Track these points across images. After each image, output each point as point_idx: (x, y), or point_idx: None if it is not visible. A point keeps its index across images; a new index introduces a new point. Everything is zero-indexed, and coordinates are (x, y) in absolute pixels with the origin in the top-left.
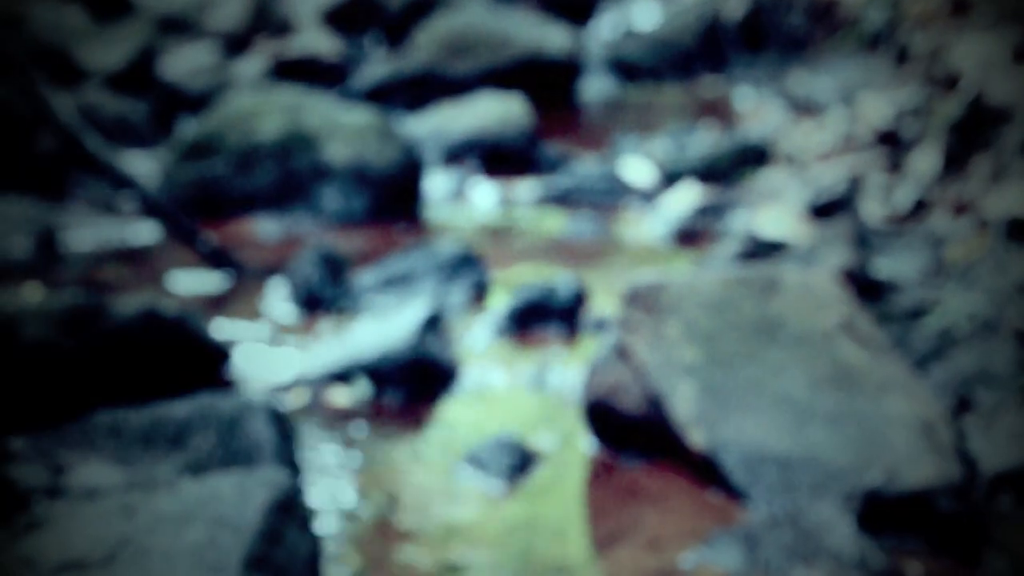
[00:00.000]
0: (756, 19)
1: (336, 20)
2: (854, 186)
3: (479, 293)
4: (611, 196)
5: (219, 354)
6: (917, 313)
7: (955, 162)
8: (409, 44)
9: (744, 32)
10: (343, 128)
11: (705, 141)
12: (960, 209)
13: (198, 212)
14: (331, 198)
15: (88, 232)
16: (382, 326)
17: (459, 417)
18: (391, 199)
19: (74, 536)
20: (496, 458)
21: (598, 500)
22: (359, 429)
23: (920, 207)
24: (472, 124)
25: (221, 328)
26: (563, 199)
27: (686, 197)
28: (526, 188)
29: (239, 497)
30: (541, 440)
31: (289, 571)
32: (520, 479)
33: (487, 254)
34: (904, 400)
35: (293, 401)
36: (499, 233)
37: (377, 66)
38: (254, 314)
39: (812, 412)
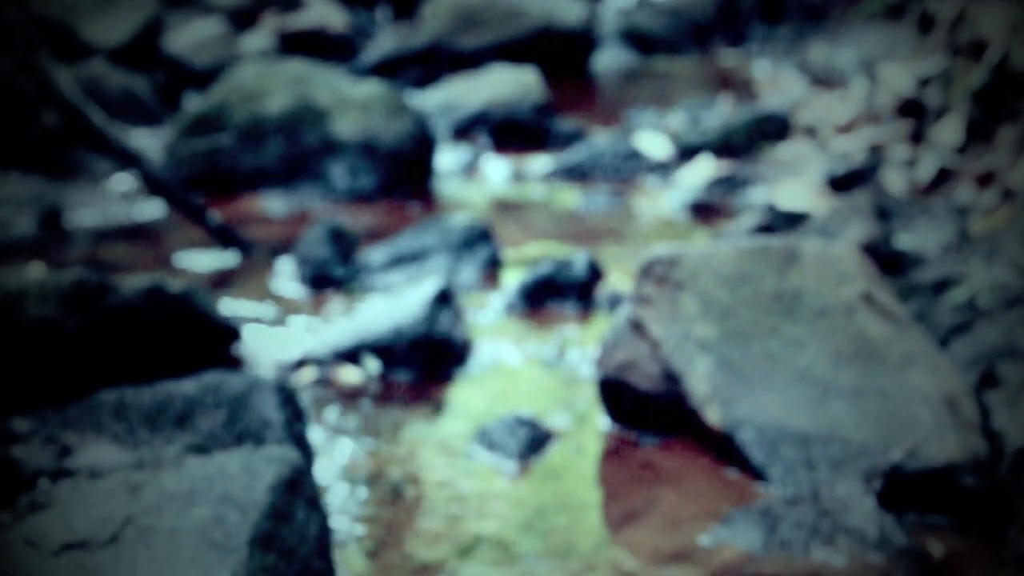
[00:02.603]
0: None
1: None
2: (875, 158)
3: (492, 269)
4: (626, 170)
5: (227, 332)
6: (940, 286)
7: (979, 132)
8: (419, 16)
9: (762, 2)
10: (352, 102)
11: (722, 114)
12: (984, 180)
13: (205, 188)
14: (340, 173)
15: (94, 210)
16: (393, 303)
17: (471, 395)
18: (402, 174)
19: (78, 516)
20: (509, 437)
21: (614, 479)
22: (369, 408)
23: (943, 178)
24: (484, 98)
25: (229, 306)
26: (577, 174)
27: (703, 171)
28: (539, 163)
29: (247, 475)
30: (555, 418)
31: (298, 550)
32: (534, 458)
33: (500, 230)
34: (927, 375)
35: (302, 379)
36: (512, 208)
37: (386, 40)
38: (263, 292)
39: (832, 388)
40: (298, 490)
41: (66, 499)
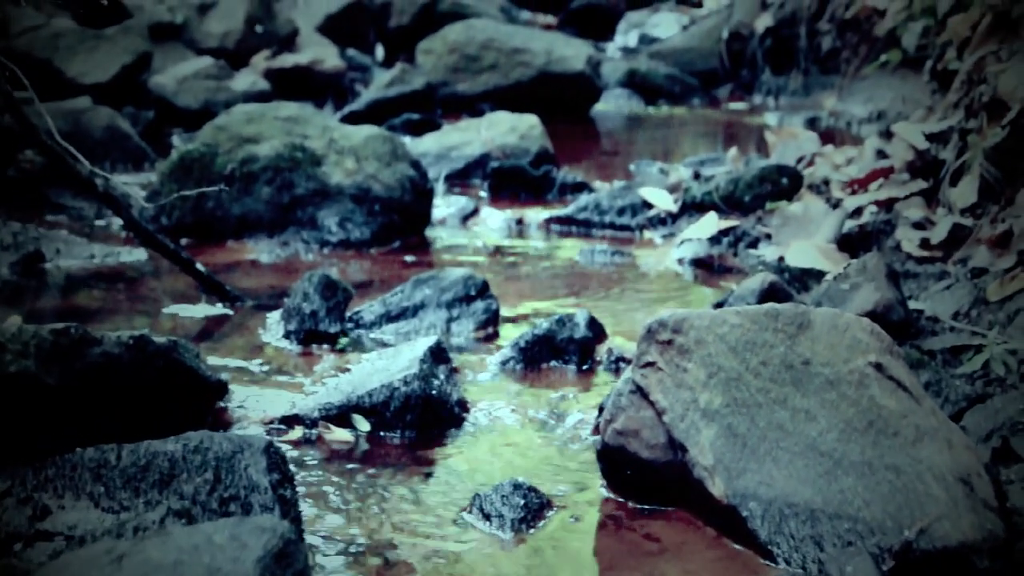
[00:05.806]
0: (784, 38)
1: (337, 35)
2: (888, 216)
3: (489, 326)
4: (629, 224)
5: (213, 388)
6: (954, 354)
7: (995, 193)
8: (416, 60)
9: (770, 51)
10: (346, 147)
11: (729, 167)
12: (1000, 242)
13: (192, 234)
14: (333, 222)
15: (76, 255)
16: (385, 360)
17: (466, 459)
18: (397, 224)
19: None
20: (504, 504)
21: (613, 552)
22: (360, 471)
23: (958, 239)
24: (483, 145)
25: (215, 360)
26: (578, 226)
27: (708, 226)
28: (540, 213)
29: (234, 546)
30: (553, 486)
31: None
32: (530, 527)
33: (498, 284)
34: (940, 449)
35: (291, 439)
36: (511, 261)
37: (381, 81)
38: (250, 346)
39: (842, 462)
40: (287, 562)
41: (43, 568)
